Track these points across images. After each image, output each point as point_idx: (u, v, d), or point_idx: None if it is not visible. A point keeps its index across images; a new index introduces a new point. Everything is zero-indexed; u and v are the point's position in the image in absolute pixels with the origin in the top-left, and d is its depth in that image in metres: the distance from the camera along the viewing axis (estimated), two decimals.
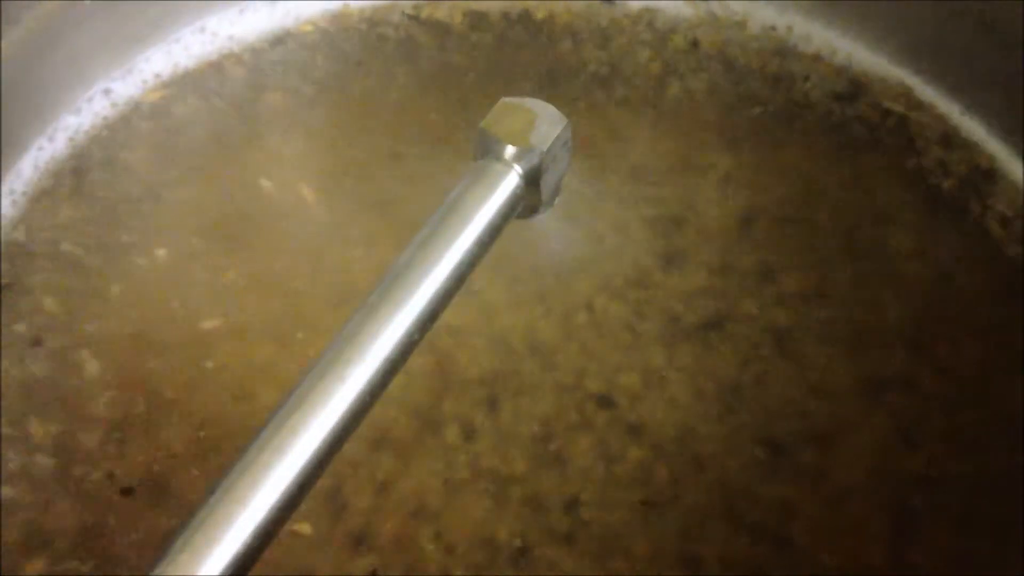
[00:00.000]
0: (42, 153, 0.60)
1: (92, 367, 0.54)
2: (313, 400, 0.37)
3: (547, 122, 0.45)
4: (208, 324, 0.56)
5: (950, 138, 0.63)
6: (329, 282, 0.57)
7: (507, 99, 0.46)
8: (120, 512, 0.50)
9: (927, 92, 0.65)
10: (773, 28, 0.67)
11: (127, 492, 0.51)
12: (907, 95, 0.65)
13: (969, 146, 0.63)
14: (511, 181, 0.44)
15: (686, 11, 0.67)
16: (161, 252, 0.58)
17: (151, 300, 0.56)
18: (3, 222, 0.58)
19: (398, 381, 0.40)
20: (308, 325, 0.55)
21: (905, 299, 0.57)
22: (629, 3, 0.67)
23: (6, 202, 0.59)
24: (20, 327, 0.55)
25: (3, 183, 0.59)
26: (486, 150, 0.44)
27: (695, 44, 0.66)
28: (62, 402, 0.53)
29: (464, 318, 0.55)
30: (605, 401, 0.54)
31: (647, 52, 0.66)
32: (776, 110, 0.64)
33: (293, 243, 0.58)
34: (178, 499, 0.50)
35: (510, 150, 0.44)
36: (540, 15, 0.67)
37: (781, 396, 0.54)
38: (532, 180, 0.44)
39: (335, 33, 0.66)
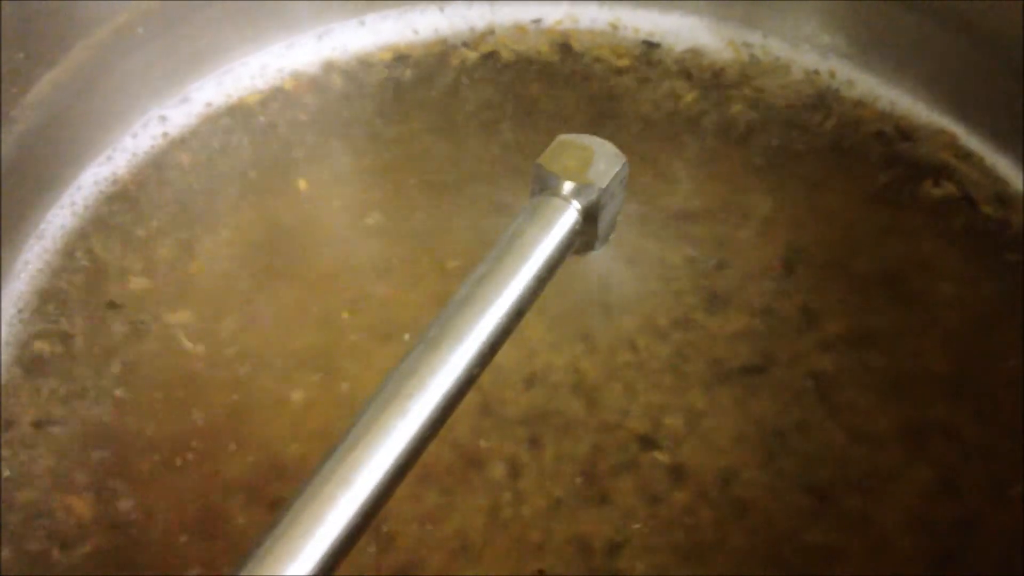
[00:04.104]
0: (101, 170, 0.62)
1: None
2: (374, 434, 0.37)
3: (605, 159, 0.44)
4: (252, 353, 0.56)
5: (993, 188, 0.63)
6: (373, 316, 0.57)
7: (564, 136, 0.45)
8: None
9: (971, 141, 0.65)
10: (816, 72, 0.67)
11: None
12: (951, 143, 0.65)
13: (1013, 197, 0.63)
14: (570, 217, 0.43)
15: (728, 55, 0.68)
16: (204, 275, 0.58)
17: (194, 323, 0.56)
18: (66, 230, 0.60)
19: None
20: (353, 358, 0.55)
21: (946, 347, 0.57)
22: (673, 46, 0.68)
23: (67, 212, 0.60)
24: None
25: (65, 195, 0.61)
26: (544, 185, 0.44)
27: (738, 88, 0.66)
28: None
29: (508, 356, 0.54)
30: (648, 442, 0.53)
31: (690, 95, 0.66)
32: (818, 154, 0.64)
33: (337, 275, 0.58)
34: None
35: (568, 186, 0.43)
36: (585, 57, 0.67)
37: (823, 442, 0.54)
38: (590, 216, 0.44)
39: (381, 68, 0.67)
